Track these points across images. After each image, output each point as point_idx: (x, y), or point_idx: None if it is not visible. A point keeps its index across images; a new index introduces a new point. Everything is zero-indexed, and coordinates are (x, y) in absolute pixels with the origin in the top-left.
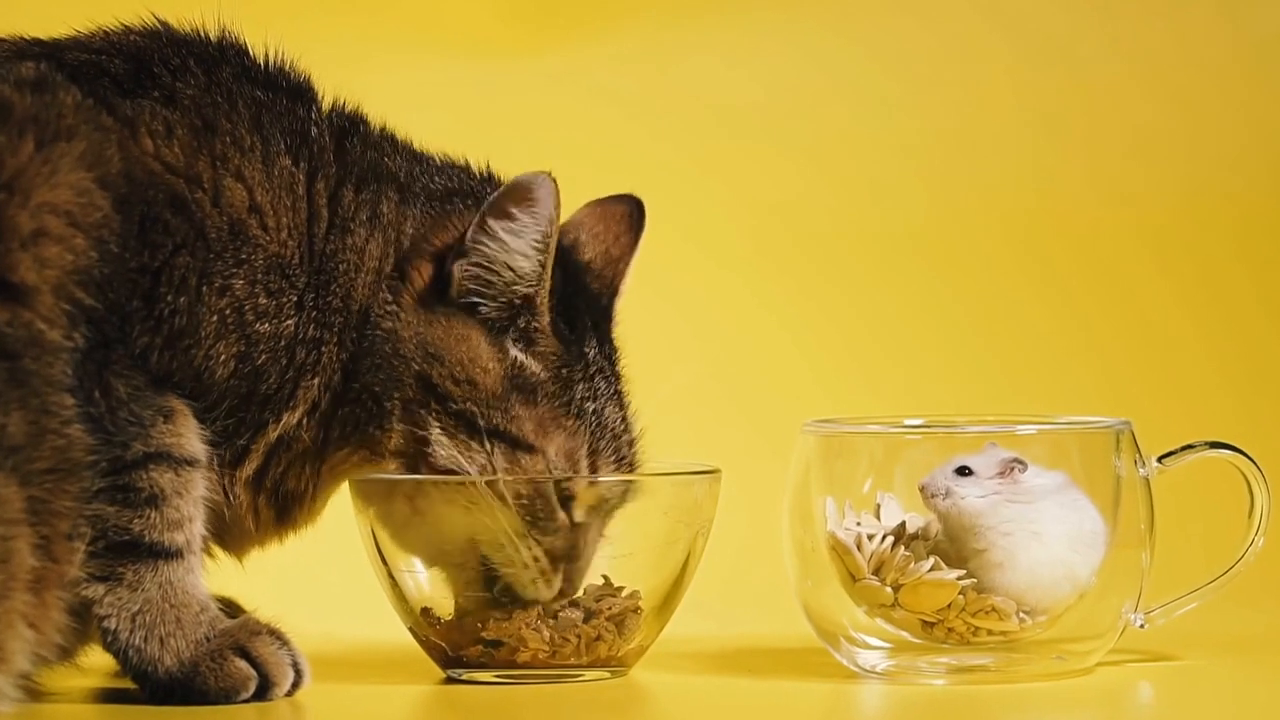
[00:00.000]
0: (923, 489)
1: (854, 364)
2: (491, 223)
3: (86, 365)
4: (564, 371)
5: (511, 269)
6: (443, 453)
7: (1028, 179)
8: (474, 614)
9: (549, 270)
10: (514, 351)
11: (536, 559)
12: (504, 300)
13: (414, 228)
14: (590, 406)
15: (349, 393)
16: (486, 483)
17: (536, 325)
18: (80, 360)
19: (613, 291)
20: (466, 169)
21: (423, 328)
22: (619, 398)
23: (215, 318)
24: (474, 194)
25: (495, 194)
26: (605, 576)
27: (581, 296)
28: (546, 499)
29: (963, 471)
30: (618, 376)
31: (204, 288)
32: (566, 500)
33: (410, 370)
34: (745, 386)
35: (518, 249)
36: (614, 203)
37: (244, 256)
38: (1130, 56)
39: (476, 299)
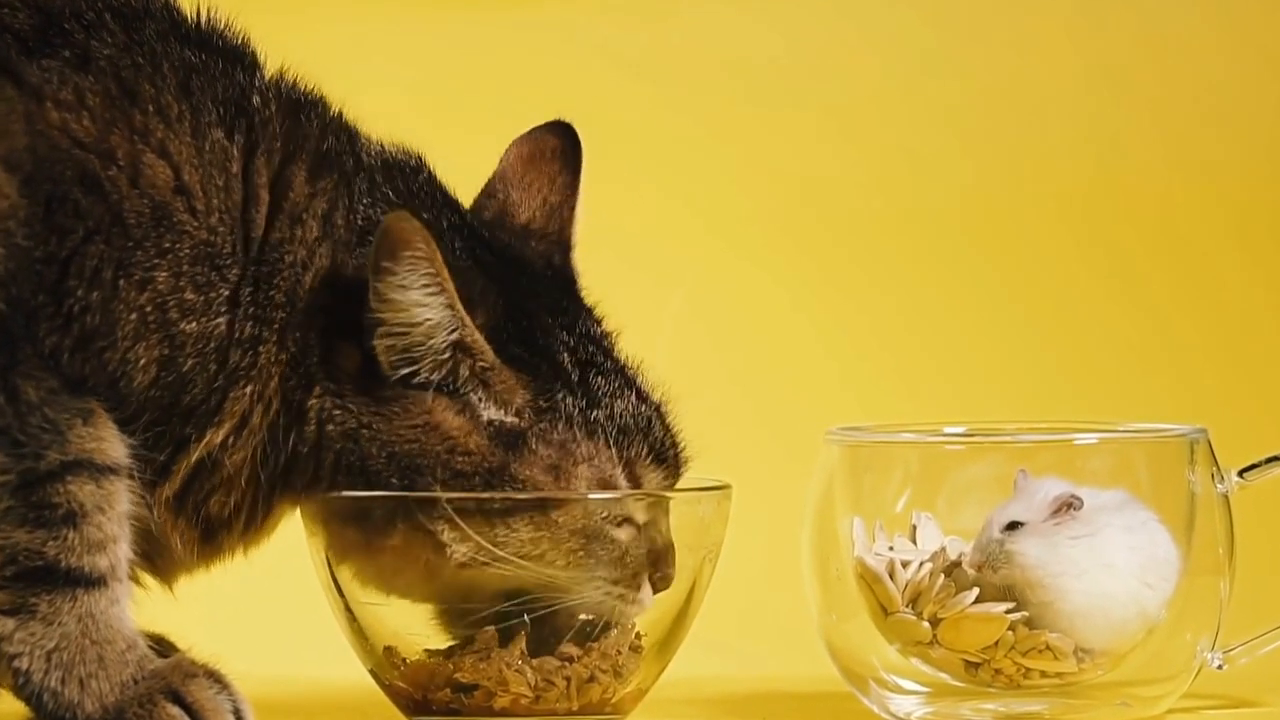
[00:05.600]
0: (979, 567)
1: (886, 362)
2: (377, 285)
3: None
4: (544, 400)
5: (420, 324)
6: (462, 549)
7: (1088, 147)
8: (446, 653)
9: (460, 307)
10: (483, 409)
11: (606, 584)
12: (437, 359)
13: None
14: (595, 415)
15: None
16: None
17: (484, 365)
18: None
19: (565, 246)
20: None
21: (381, 425)
22: (625, 381)
23: (134, 315)
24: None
25: (370, 251)
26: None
27: (529, 289)
28: (598, 537)
29: (1013, 526)
30: (613, 356)
31: (121, 281)
32: (621, 521)
33: (395, 489)
34: (761, 388)
35: (414, 301)
36: (541, 137)
37: (168, 245)
38: (1204, 3)
39: (408, 370)
